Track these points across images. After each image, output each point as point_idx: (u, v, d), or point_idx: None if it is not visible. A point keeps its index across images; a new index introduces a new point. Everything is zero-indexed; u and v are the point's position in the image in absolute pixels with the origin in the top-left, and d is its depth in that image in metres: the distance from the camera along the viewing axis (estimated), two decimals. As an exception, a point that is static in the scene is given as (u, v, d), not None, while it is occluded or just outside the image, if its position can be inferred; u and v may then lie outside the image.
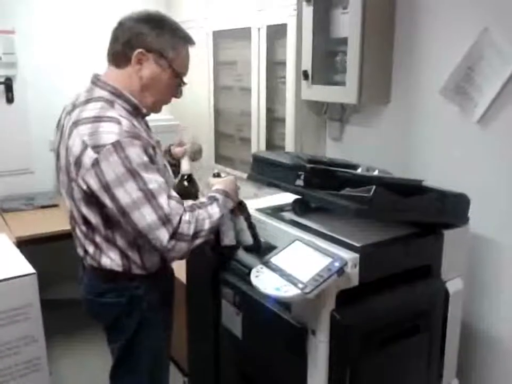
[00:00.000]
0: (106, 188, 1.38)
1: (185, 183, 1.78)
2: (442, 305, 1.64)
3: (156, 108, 1.62)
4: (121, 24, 1.51)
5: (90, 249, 1.59)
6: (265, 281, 1.39)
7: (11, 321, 1.91)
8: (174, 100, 1.65)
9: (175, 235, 1.39)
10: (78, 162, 1.41)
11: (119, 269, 1.57)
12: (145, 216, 1.37)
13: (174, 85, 1.58)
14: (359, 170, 1.68)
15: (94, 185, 1.39)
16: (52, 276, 3.08)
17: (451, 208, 1.62)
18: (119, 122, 1.40)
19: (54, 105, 3.13)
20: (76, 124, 1.44)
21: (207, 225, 1.46)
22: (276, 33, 2.57)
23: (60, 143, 1.55)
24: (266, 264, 1.45)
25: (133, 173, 1.37)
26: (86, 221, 1.53)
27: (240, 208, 1.61)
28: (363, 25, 1.98)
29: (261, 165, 1.79)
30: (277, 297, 1.37)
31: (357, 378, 1.43)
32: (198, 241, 1.45)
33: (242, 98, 2.91)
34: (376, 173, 1.67)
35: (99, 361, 2.62)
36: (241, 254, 1.72)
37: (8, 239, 2.33)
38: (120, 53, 1.49)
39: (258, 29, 2.64)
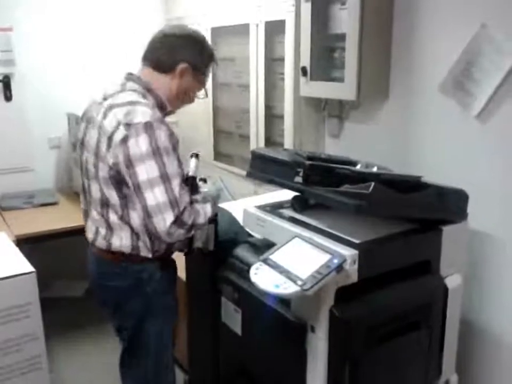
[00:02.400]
0: (129, 162, 1.50)
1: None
2: (441, 301, 1.64)
3: (175, 111, 1.78)
4: (166, 36, 1.67)
5: (103, 230, 1.67)
6: (264, 278, 1.39)
7: (11, 320, 1.91)
8: None
9: (178, 220, 1.49)
10: (110, 138, 1.53)
11: (128, 250, 1.64)
12: (156, 196, 1.48)
13: (197, 95, 1.79)
14: (358, 167, 1.68)
15: (120, 159, 1.51)
16: (52, 274, 3.08)
17: (450, 204, 1.62)
18: (152, 108, 1.56)
19: (53, 102, 3.17)
20: (110, 107, 1.57)
21: (201, 219, 1.58)
22: (274, 29, 2.56)
23: (85, 133, 1.67)
24: (266, 261, 1.45)
25: (155, 154, 1.49)
26: (104, 201, 1.62)
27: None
28: (361, 21, 1.98)
29: (260, 162, 1.79)
30: (276, 294, 1.37)
31: (356, 374, 1.44)
32: (192, 232, 1.57)
33: (241, 95, 2.90)
34: (375, 169, 1.67)
35: (99, 359, 2.63)
36: (241, 251, 1.72)
37: (8, 238, 2.33)
38: (164, 61, 1.65)
39: (257, 25, 2.63)
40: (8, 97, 3.11)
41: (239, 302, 1.67)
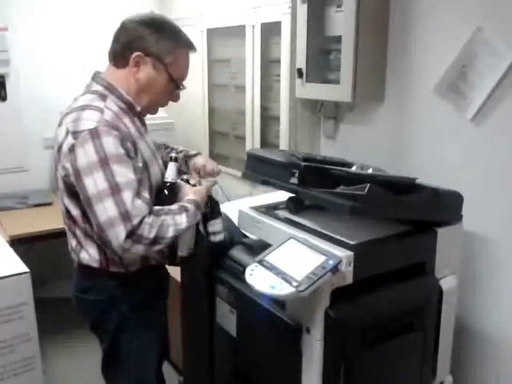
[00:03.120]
0: (77, 175, 1.40)
1: (165, 191, 1.59)
2: (436, 302, 1.64)
3: (151, 109, 1.64)
4: (123, 26, 1.54)
5: (73, 243, 1.60)
6: (259, 280, 1.39)
7: (5, 320, 1.90)
8: (170, 102, 1.67)
9: (133, 235, 1.36)
10: (60, 148, 1.44)
11: (96, 265, 1.55)
12: (106, 210, 1.36)
13: (170, 88, 1.59)
14: (353, 168, 1.69)
15: (70, 171, 1.42)
16: (46, 274, 3.07)
17: (445, 206, 1.63)
18: (101, 111, 1.43)
19: (48, 102, 3.16)
20: (66, 114, 1.49)
21: (170, 232, 1.43)
22: (270, 31, 2.56)
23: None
24: (261, 262, 1.45)
25: (103, 163, 1.37)
26: (68, 214, 1.54)
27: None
28: (357, 24, 1.98)
29: (255, 163, 1.79)
30: (272, 295, 1.37)
31: (351, 375, 1.44)
32: (158, 247, 1.43)
33: (237, 96, 2.90)
34: (370, 171, 1.67)
35: (93, 360, 2.61)
36: (236, 252, 1.72)
37: (2, 238, 2.32)
38: (119, 54, 1.52)
39: (253, 27, 2.64)
40: (2, 97, 3.11)
41: (234, 303, 1.67)
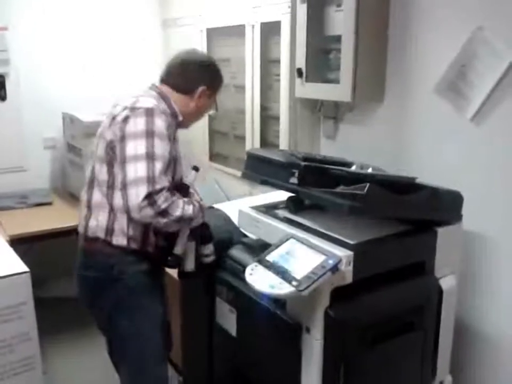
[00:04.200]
0: (123, 137, 1.61)
1: (182, 190, 1.72)
2: (436, 302, 1.65)
3: (188, 125, 1.93)
4: (185, 63, 1.83)
5: (85, 210, 1.74)
6: (259, 279, 1.39)
7: (4, 320, 1.90)
8: None
9: (150, 198, 1.51)
10: (114, 118, 1.66)
11: (102, 233, 1.68)
12: (137, 170, 1.54)
13: (210, 110, 1.99)
14: (353, 168, 1.69)
15: (117, 135, 1.62)
16: (46, 274, 3.07)
17: (444, 206, 1.63)
18: (157, 101, 1.69)
19: (47, 102, 3.16)
20: (120, 101, 1.72)
21: (177, 212, 1.57)
22: (270, 30, 2.56)
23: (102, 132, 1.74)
24: (261, 261, 1.45)
25: (148, 135, 1.58)
26: (93, 180, 1.72)
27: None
28: (357, 23, 1.98)
29: (255, 163, 1.79)
30: (271, 295, 1.37)
31: (351, 375, 1.44)
32: (163, 220, 1.55)
33: (237, 96, 2.90)
34: (370, 170, 1.67)
35: (93, 359, 2.62)
36: (236, 252, 1.72)
37: (1, 238, 2.32)
38: (185, 85, 1.80)
39: (253, 26, 2.64)
40: (2, 97, 3.10)
41: (234, 303, 1.67)
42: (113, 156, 1.64)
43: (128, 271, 1.69)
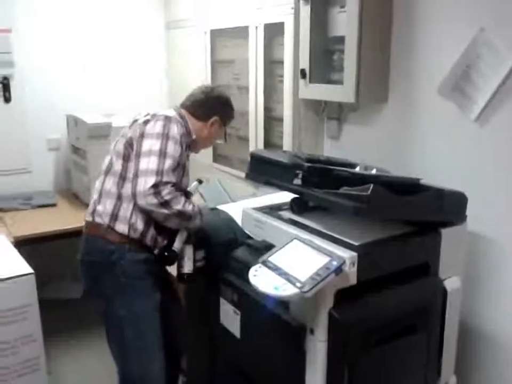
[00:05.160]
0: (141, 136, 1.81)
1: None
2: (440, 303, 1.64)
3: (199, 149, 2.13)
4: (207, 96, 2.07)
5: (95, 195, 1.89)
6: (263, 280, 1.39)
7: (10, 321, 1.91)
8: None
9: (156, 187, 1.68)
10: (136, 121, 1.88)
11: (107, 219, 1.81)
12: (149, 162, 1.72)
13: (219, 138, 2.21)
14: (357, 169, 1.69)
15: (137, 133, 1.82)
16: (50, 275, 3.08)
17: (449, 207, 1.62)
18: (177, 115, 1.91)
19: (52, 104, 3.17)
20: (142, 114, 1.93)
21: (178, 206, 1.72)
22: (273, 32, 2.56)
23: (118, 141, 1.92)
24: (265, 263, 1.45)
25: (164, 137, 1.78)
26: (108, 169, 1.87)
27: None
28: (360, 24, 1.98)
29: (258, 164, 1.79)
30: (276, 296, 1.37)
31: (355, 376, 1.43)
32: (165, 211, 1.70)
33: (240, 97, 2.90)
34: (374, 171, 1.67)
35: (97, 360, 2.62)
36: (240, 253, 1.72)
37: (6, 239, 2.33)
38: (201, 113, 2.03)
39: (256, 28, 2.64)
40: (7, 99, 3.11)
41: (238, 304, 1.67)
42: (130, 151, 1.82)
43: (126, 257, 1.79)
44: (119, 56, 3.42)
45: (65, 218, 2.80)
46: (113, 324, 1.86)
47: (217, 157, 3.20)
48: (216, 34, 3.04)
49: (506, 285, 1.83)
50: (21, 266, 1.99)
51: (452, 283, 1.66)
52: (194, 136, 1.98)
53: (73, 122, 3.05)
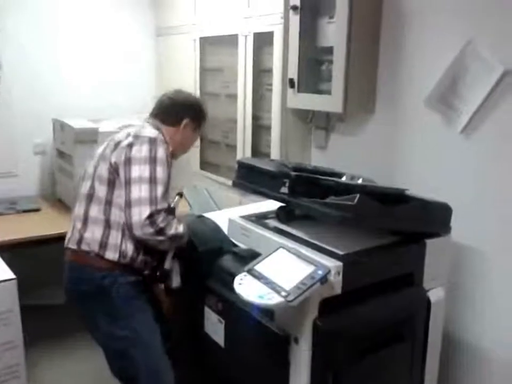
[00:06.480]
0: (128, 162, 1.74)
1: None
2: (424, 313, 1.65)
3: (178, 155, 2.06)
4: (173, 101, 2.02)
5: (79, 224, 1.80)
6: (248, 289, 1.39)
7: (-10, 327, 1.88)
8: None
9: (151, 217, 1.65)
10: (117, 144, 1.80)
11: (95, 246, 1.75)
12: (141, 191, 1.69)
13: (195, 142, 2.17)
14: (343, 179, 1.69)
15: (122, 158, 1.75)
16: (32, 281, 3.04)
17: (434, 217, 1.64)
18: (158, 132, 1.85)
19: (39, 107, 3.14)
20: (125, 127, 1.92)
21: (172, 231, 1.70)
22: (262, 41, 2.57)
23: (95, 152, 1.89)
24: (250, 271, 1.45)
25: (151, 161, 1.74)
26: (90, 196, 1.80)
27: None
28: (349, 35, 2.00)
29: (246, 172, 1.79)
30: (260, 305, 1.36)
31: (339, 386, 1.43)
32: (160, 237, 1.68)
33: (229, 105, 2.90)
34: (360, 181, 1.68)
35: (79, 367, 2.59)
36: (225, 261, 1.72)
37: (-12, 244, 2.29)
38: (170, 118, 1.98)
39: (245, 37, 2.65)
40: (-7, 102, 3.08)
41: (222, 313, 1.66)
42: (116, 177, 1.76)
43: (119, 280, 1.75)
44: (109, 62, 3.41)
45: (49, 224, 2.77)
46: (119, 351, 1.80)
47: (205, 165, 3.20)
48: (205, 42, 3.04)
49: (490, 296, 1.84)
50: (3, 271, 1.96)
51: (435, 294, 1.67)
52: (171, 148, 1.92)
53: (59, 127, 3.02)
